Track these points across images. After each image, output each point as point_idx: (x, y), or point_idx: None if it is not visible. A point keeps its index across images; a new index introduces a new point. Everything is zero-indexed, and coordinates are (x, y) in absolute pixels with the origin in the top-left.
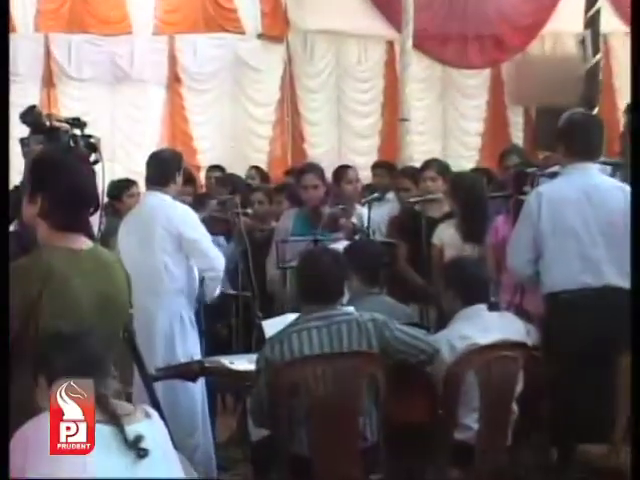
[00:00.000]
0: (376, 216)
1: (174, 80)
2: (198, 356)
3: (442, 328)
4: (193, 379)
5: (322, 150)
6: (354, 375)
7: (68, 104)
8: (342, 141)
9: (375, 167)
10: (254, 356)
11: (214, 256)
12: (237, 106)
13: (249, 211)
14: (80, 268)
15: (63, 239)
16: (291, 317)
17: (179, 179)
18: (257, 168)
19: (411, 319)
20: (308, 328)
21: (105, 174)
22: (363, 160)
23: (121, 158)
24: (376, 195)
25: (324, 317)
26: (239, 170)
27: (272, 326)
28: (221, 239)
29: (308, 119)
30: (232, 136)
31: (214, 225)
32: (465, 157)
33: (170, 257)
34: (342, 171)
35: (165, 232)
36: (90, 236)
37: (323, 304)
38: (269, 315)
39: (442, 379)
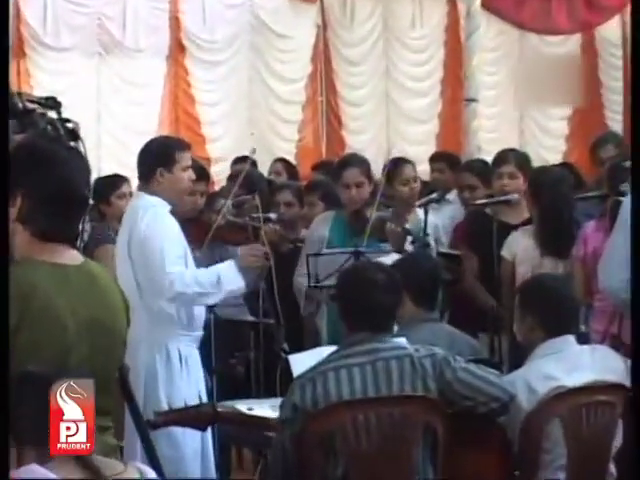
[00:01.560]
0: (435, 222)
1: (177, 49)
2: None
3: (517, 366)
4: (203, 427)
5: (366, 138)
6: (405, 425)
7: (42, 80)
8: (391, 126)
9: (433, 160)
10: (278, 400)
11: (172, 278)
12: (257, 82)
13: (272, 216)
14: (68, 289)
15: (47, 251)
16: (326, 351)
17: (169, 176)
18: (283, 161)
19: (479, 354)
20: (348, 365)
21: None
22: (417, 151)
23: (109, 148)
24: (435, 195)
25: (369, 351)
26: (260, 163)
27: (302, 362)
28: (237, 251)
29: (347, 98)
30: (251, 120)
31: (227, 233)
32: (547, 147)
33: (144, 276)
34: (397, 167)
35: (135, 245)
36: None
37: (368, 334)
38: (298, 348)
39: (519, 432)
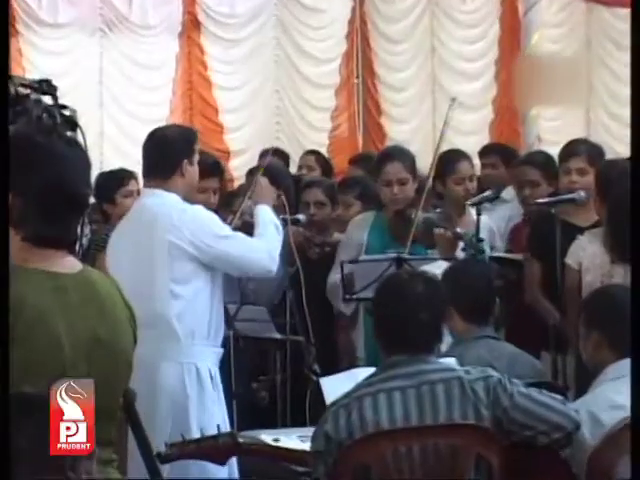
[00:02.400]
0: (489, 224)
1: (191, 26)
2: (223, 428)
3: (586, 390)
4: (222, 461)
5: (409, 127)
6: (454, 459)
7: (37, 61)
8: (438, 114)
9: (486, 152)
10: (308, 430)
11: (258, 256)
12: (284, 63)
13: (301, 217)
14: (65, 301)
15: (40, 258)
16: (363, 373)
17: (190, 169)
18: (314, 154)
19: (542, 376)
20: (388, 389)
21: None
22: (468, 142)
23: (113, 139)
24: (488, 193)
25: (412, 374)
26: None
27: (335, 385)
28: None
29: (388, 82)
30: (276, 107)
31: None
32: (619, 138)
33: (180, 285)
34: (451, 162)
35: (173, 249)
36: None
37: (411, 354)
38: (331, 370)
39: (586, 469)
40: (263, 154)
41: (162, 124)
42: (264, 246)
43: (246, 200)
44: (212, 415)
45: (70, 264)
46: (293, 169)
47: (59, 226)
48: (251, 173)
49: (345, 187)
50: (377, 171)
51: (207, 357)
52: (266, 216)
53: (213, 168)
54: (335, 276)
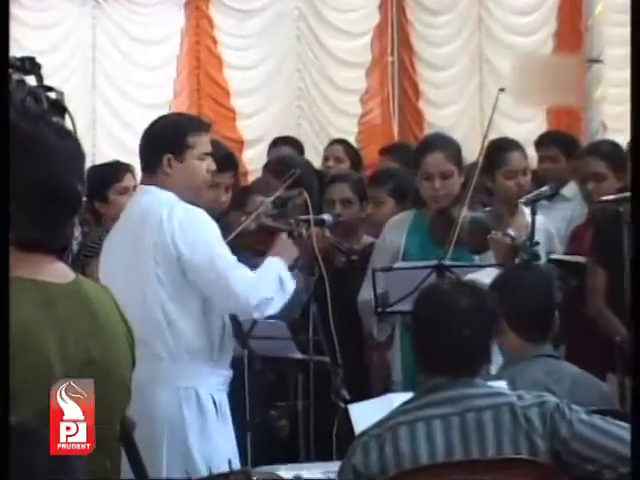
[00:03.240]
0: (545, 225)
1: None
2: (234, 463)
3: None
4: None
5: (452, 111)
6: None
7: (20, 36)
8: (485, 96)
9: (543, 142)
10: (335, 464)
11: (242, 289)
12: (307, 38)
13: (325, 217)
14: (54, 316)
15: (26, 265)
16: (398, 398)
17: (180, 166)
18: (341, 143)
19: (609, 402)
20: (428, 417)
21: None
22: (521, 130)
23: (107, 127)
24: (546, 189)
25: (455, 399)
26: (310, 147)
27: (366, 413)
28: None
29: (427, 59)
30: (298, 89)
31: (260, 241)
32: None
33: (170, 295)
34: (500, 153)
35: (159, 255)
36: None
37: (454, 376)
38: (361, 395)
39: None
40: (275, 143)
41: (164, 109)
42: (256, 284)
43: (267, 200)
44: (217, 447)
45: (61, 272)
46: (317, 161)
47: (48, 228)
48: (268, 167)
49: (377, 182)
50: (415, 163)
51: (210, 381)
52: (273, 266)
53: (225, 161)
54: (365, 296)
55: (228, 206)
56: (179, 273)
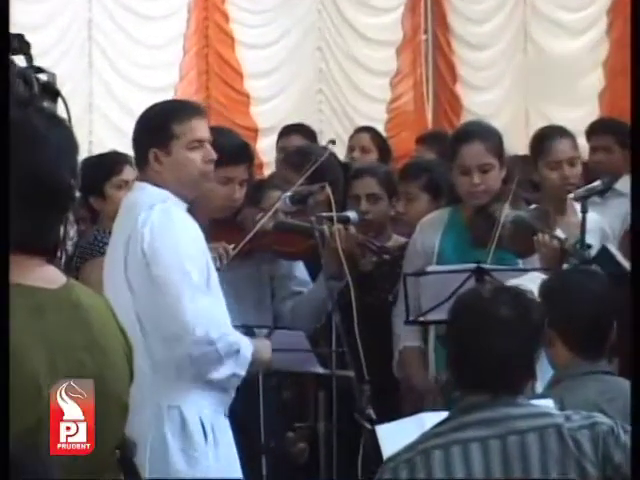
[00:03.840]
0: (598, 223)
1: None
2: None
3: None
4: None
5: (493, 96)
6: None
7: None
8: (531, 80)
9: (596, 131)
10: None
11: (190, 317)
12: (329, 13)
13: (350, 215)
14: (43, 326)
15: (14, 267)
16: (431, 419)
17: (167, 160)
18: (369, 131)
19: None
20: (464, 440)
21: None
22: (570, 117)
23: (104, 113)
24: (598, 184)
25: (495, 420)
26: (334, 136)
27: (396, 435)
28: (297, 268)
29: (465, 37)
30: (320, 70)
31: (278, 241)
32: None
33: (144, 306)
34: (544, 141)
35: (131, 261)
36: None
37: (494, 394)
38: (390, 414)
39: None
40: (284, 132)
41: (169, 93)
42: (208, 320)
43: (285, 195)
44: (208, 473)
45: (51, 276)
46: (340, 152)
47: (36, 226)
48: (283, 159)
49: (408, 175)
50: (451, 154)
51: (199, 401)
52: (241, 340)
53: (238, 152)
54: (401, 331)
55: (242, 203)
56: (149, 282)
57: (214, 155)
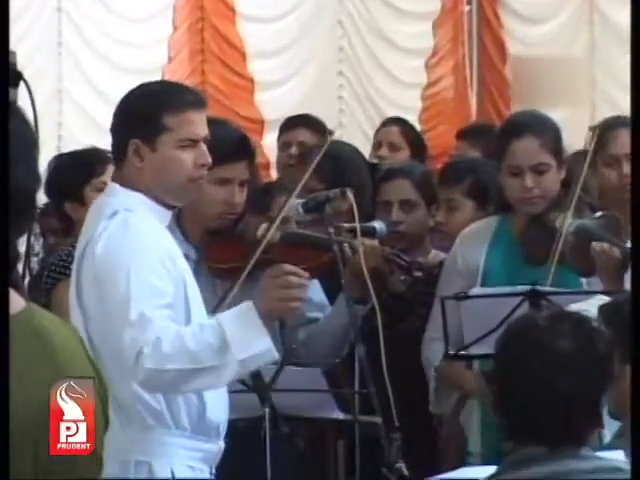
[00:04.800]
0: None
1: None
2: None
3: None
4: None
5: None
6: None
7: None
8: (597, 60)
9: None
10: None
11: (129, 340)
12: None
13: (378, 226)
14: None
15: None
16: (476, 474)
17: (153, 156)
18: (399, 124)
19: None
20: None
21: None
22: None
23: (78, 100)
24: None
25: (554, 476)
26: (357, 128)
27: None
28: (311, 289)
29: (517, 9)
30: (340, 49)
31: (289, 256)
32: None
33: (99, 335)
34: (604, 133)
35: (86, 283)
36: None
37: (553, 445)
38: (426, 470)
39: None
40: (288, 125)
41: (155, 77)
42: (152, 352)
43: (296, 201)
44: None
45: (11, 300)
46: (365, 149)
47: (8, 235)
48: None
49: (449, 178)
50: (499, 152)
51: (175, 455)
52: (232, 317)
53: (237, 147)
54: (434, 322)
55: (244, 209)
56: (102, 305)
57: (209, 159)
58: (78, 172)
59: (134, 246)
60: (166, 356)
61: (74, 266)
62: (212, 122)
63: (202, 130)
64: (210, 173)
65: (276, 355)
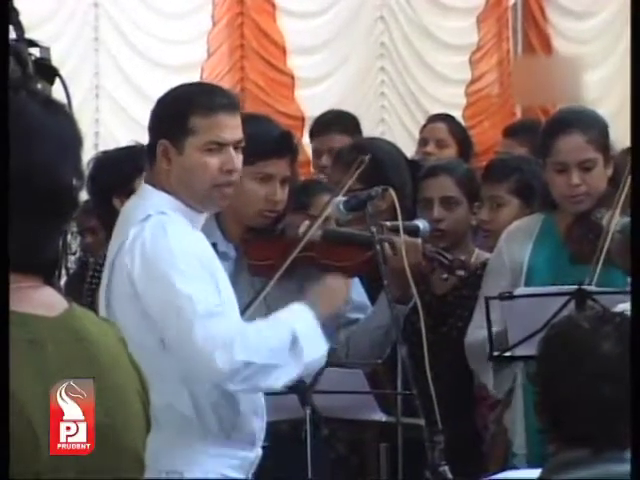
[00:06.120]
0: None
1: None
2: None
3: None
4: None
5: (597, 77)
6: None
7: None
8: None
9: None
10: None
11: (206, 346)
12: None
13: (421, 224)
14: (40, 363)
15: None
16: (521, 476)
17: (180, 159)
18: (444, 120)
19: None
20: None
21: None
22: None
23: (113, 96)
24: None
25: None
26: (399, 125)
27: None
28: (353, 287)
29: (563, 3)
30: (381, 44)
31: (330, 254)
32: None
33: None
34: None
35: (119, 293)
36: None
37: (596, 449)
38: (471, 473)
39: None
40: (316, 129)
41: (194, 73)
42: (233, 341)
43: (336, 199)
44: None
45: (50, 301)
46: (409, 147)
47: (30, 238)
48: (337, 157)
49: (494, 176)
50: (544, 149)
51: (208, 465)
52: (287, 319)
53: (280, 143)
54: (478, 323)
55: (285, 207)
56: (138, 315)
57: (238, 165)
58: (128, 166)
59: (176, 248)
60: (254, 349)
61: (105, 274)
62: (255, 118)
63: (232, 134)
64: (251, 169)
65: (324, 357)
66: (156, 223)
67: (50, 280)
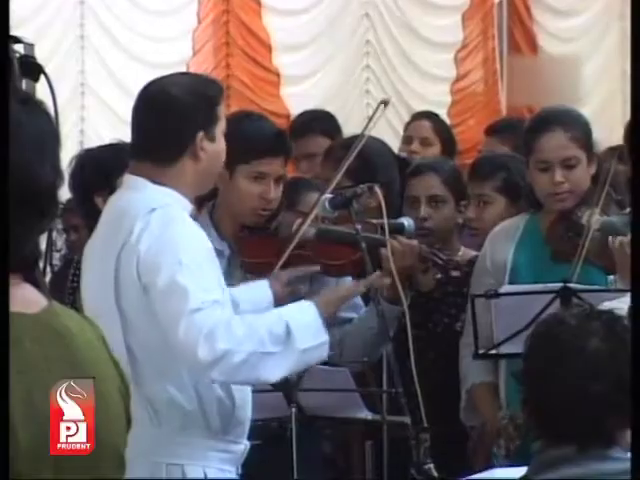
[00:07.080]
0: None
1: None
2: None
3: None
4: None
5: (584, 75)
6: None
7: None
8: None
9: None
10: None
11: (189, 333)
12: None
13: (406, 222)
14: (20, 361)
15: None
16: (505, 475)
17: (210, 147)
18: (429, 118)
19: None
20: None
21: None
22: None
23: (98, 93)
24: None
25: (583, 478)
26: (385, 123)
27: None
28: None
29: (548, 1)
30: (367, 42)
31: (319, 253)
32: None
33: (136, 338)
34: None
35: (127, 286)
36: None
37: (581, 446)
38: (455, 471)
39: None
40: (295, 130)
41: (179, 70)
42: (218, 330)
43: (323, 197)
44: None
45: (28, 298)
46: (393, 145)
47: (10, 236)
48: (326, 154)
49: (480, 174)
50: (528, 147)
51: (204, 457)
52: (290, 311)
53: (275, 143)
54: (468, 367)
55: (279, 205)
56: (143, 308)
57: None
58: (111, 164)
59: (184, 240)
60: (239, 338)
61: (110, 266)
62: (249, 116)
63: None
64: (246, 168)
65: (326, 350)
66: (162, 214)
67: (29, 277)
